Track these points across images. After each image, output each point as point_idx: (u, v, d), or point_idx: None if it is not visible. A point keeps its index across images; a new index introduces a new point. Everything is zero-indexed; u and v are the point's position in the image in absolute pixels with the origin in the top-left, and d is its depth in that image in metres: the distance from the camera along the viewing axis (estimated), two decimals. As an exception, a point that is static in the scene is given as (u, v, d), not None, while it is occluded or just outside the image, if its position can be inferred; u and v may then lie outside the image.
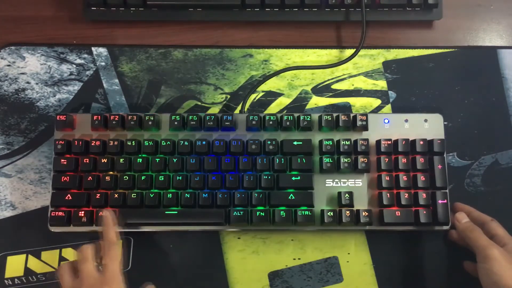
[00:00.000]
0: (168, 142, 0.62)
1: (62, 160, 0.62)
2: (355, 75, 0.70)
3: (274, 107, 0.69)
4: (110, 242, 0.56)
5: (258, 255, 0.64)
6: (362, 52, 0.70)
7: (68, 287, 0.55)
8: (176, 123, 0.63)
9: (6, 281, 0.63)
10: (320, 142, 0.63)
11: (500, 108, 0.69)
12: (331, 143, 0.62)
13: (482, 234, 0.57)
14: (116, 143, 0.62)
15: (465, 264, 0.62)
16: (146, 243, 0.64)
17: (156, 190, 0.62)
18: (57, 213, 0.61)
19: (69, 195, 0.61)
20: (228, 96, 0.69)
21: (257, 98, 0.69)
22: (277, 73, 0.69)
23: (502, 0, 0.72)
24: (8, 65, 0.69)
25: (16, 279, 0.63)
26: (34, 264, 0.63)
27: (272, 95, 0.69)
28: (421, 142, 0.62)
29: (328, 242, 0.64)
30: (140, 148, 0.62)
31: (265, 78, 0.68)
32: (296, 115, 0.63)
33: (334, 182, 0.63)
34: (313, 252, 0.64)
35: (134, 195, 0.61)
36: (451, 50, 0.70)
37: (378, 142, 0.63)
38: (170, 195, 0.61)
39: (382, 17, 0.70)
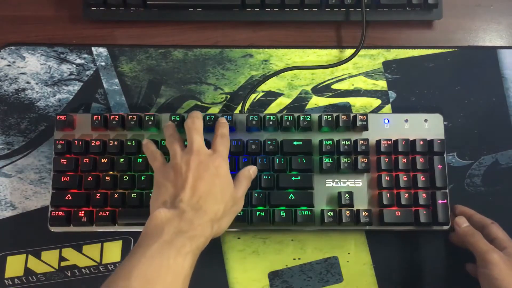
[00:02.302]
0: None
1: (62, 160, 0.62)
2: (355, 75, 0.70)
3: (274, 107, 0.69)
4: (224, 133, 0.57)
5: (258, 255, 0.64)
6: (362, 52, 0.70)
7: (178, 155, 0.54)
8: (176, 123, 0.63)
9: (6, 281, 0.63)
10: (320, 142, 0.63)
11: (500, 108, 0.69)
12: (331, 143, 0.62)
13: (482, 238, 0.57)
14: (116, 143, 0.62)
15: (467, 266, 0.62)
16: (146, 243, 0.64)
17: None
18: (57, 213, 0.61)
19: (69, 195, 0.61)
20: (228, 96, 0.69)
21: (257, 98, 0.69)
22: (277, 73, 0.69)
23: (502, 0, 0.72)
24: (8, 65, 0.69)
25: (16, 279, 0.63)
26: (34, 264, 0.63)
27: (272, 95, 0.69)
28: (421, 142, 0.62)
29: (328, 242, 0.64)
30: (140, 148, 0.62)
31: (265, 78, 0.68)
32: (296, 115, 0.63)
33: (334, 182, 0.63)
34: (313, 252, 0.64)
35: (134, 195, 0.61)
36: (451, 50, 0.70)
37: (378, 142, 0.63)
38: (170, 195, 0.61)
39: (382, 17, 0.70)
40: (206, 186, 0.52)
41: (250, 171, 0.58)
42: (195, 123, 0.56)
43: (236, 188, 0.55)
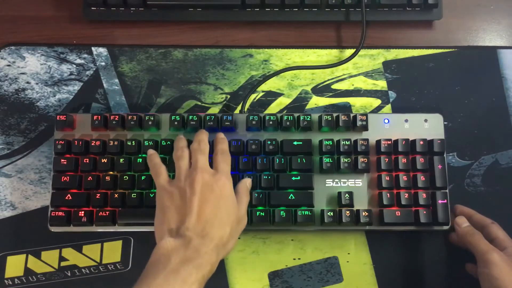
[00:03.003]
0: (168, 142, 0.62)
1: (62, 160, 0.62)
2: (355, 75, 0.70)
3: (274, 107, 0.69)
4: (224, 150, 0.57)
5: (258, 255, 0.64)
6: (362, 52, 0.70)
7: (183, 174, 0.54)
8: (176, 123, 0.63)
9: (6, 281, 0.63)
10: (320, 142, 0.63)
11: (500, 108, 0.69)
12: (331, 143, 0.62)
13: (482, 238, 0.57)
14: (116, 143, 0.62)
15: (467, 266, 0.62)
16: (146, 243, 0.63)
17: (156, 190, 0.62)
18: (57, 213, 0.61)
19: (69, 195, 0.61)
20: (228, 96, 0.69)
21: (257, 98, 0.69)
22: (277, 73, 0.69)
23: (502, 0, 0.72)
24: (8, 65, 0.69)
25: (16, 279, 0.63)
26: (34, 264, 0.63)
27: (272, 95, 0.69)
28: (421, 142, 0.62)
29: (328, 242, 0.64)
30: (140, 148, 0.62)
31: (265, 78, 0.68)
32: (296, 115, 0.63)
33: (334, 182, 0.63)
34: (313, 252, 0.64)
35: (134, 195, 0.61)
36: (451, 50, 0.70)
37: (378, 142, 0.63)
38: (170, 195, 0.61)
39: (382, 17, 0.70)
40: (212, 209, 0.52)
41: (247, 184, 0.58)
42: (201, 145, 0.56)
43: (239, 206, 0.55)
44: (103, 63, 0.70)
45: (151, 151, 0.59)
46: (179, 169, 0.55)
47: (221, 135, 0.59)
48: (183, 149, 0.57)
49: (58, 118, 0.63)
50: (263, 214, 0.61)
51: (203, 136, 0.57)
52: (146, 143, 0.62)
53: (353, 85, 0.69)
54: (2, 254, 0.64)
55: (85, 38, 0.71)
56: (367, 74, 0.70)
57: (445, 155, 0.63)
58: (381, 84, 0.69)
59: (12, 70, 0.69)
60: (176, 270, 0.47)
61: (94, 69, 0.70)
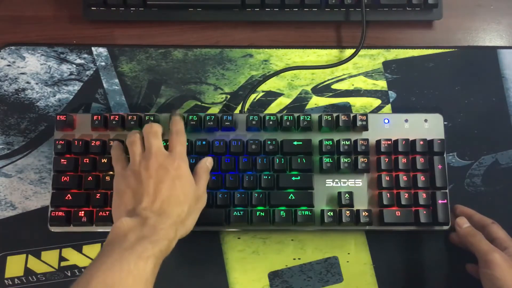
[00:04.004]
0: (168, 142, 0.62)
1: (62, 160, 0.62)
2: (355, 75, 0.70)
3: (274, 107, 0.69)
4: (179, 130, 0.58)
5: (258, 255, 0.64)
6: (362, 52, 0.70)
7: (138, 157, 0.55)
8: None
9: (6, 281, 0.63)
10: (320, 142, 0.63)
11: (500, 108, 0.69)
12: (331, 143, 0.62)
13: (483, 238, 0.57)
14: (116, 143, 0.62)
15: (468, 267, 0.62)
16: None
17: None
18: (57, 213, 0.61)
19: (69, 195, 0.61)
20: (228, 96, 0.69)
21: (257, 98, 0.69)
22: (277, 73, 0.69)
23: (502, 0, 0.72)
24: (8, 65, 0.69)
25: (16, 279, 0.63)
26: (34, 264, 0.63)
27: (272, 95, 0.69)
28: (421, 142, 0.62)
29: (328, 242, 0.64)
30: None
31: (265, 78, 0.68)
32: (296, 115, 0.63)
33: (334, 182, 0.63)
34: (313, 252, 0.64)
35: (134, 195, 0.61)
36: (451, 50, 0.70)
37: (378, 142, 0.63)
38: (170, 195, 0.61)
39: (382, 17, 0.70)
40: (168, 189, 0.52)
41: (206, 163, 0.59)
42: (153, 127, 0.56)
43: (197, 185, 0.56)
44: (103, 63, 0.70)
45: (115, 142, 0.60)
46: (133, 154, 0.55)
47: (176, 117, 0.59)
48: (135, 134, 0.57)
49: (58, 118, 0.63)
50: (263, 214, 0.61)
51: (152, 124, 0.58)
52: (146, 143, 0.62)
53: (353, 85, 0.69)
54: (2, 254, 0.64)
55: (85, 38, 0.71)
56: (367, 74, 0.70)
57: (445, 155, 0.63)
58: (381, 84, 0.69)
59: (12, 70, 0.69)
60: (131, 247, 0.47)
61: (94, 69, 0.70)
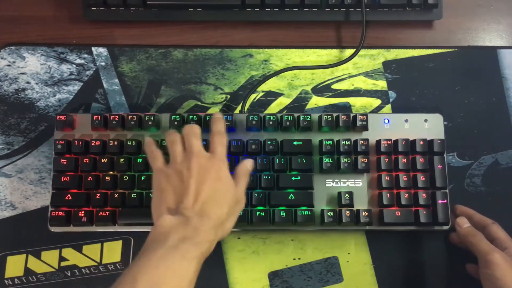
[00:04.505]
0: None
1: (62, 160, 0.62)
2: (355, 75, 0.70)
3: (274, 107, 0.69)
4: (220, 130, 0.57)
5: (258, 255, 0.64)
6: (362, 52, 0.70)
7: (179, 156, 0.54)
8: (176, 123, 0.63)
9: (6, 281, 0.63)
10: (320, 142, 0.63)
11: (500, 108, 0.69)
12: (331, 143, 0.62)
13: (484, 239, 0.57)
14: (116, 143, 0.62)
15: (468, 267, 0.61)
16: (146, 243, 0.64)
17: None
18: (57, 213, 0.61)
19: (69, 195, 0.61)
20: (228, 96, 0.69)
21: (257, 98, 0.69)
22: (277, 73, 0.69)
23: (502, 0, 0.72)
24: (8, 65, 0.69)
25: (16, 279, 0.63)
26: (34, 264, 0.63)
27: (272, 95, 0.69)
28: (421, 142, 0.62)
29: (328, 242, 0.64)
30: (140, 148, 0.62)
31: (265, 78, 0.68)
32: (296, 115, 0.63)
33: (334, 182, 0.63)
34: (313, 252, 0.64)
35: (134, 195, 0.61)
36: (451, 50, 0.70)
37: (378, 142, 0.63)
38: (170, 195, 0.61)
39: (382, 17, 0.70)
40: (209, 191, 0.52)
41: (247, 166, 0.58)
42: (193, 128, 0.56)
43: (237, 187, 0.55)
44: (103, 63, 0.70)
45: (148, 139, 0.59)
46: (174, 152, 0.55)
47: (218, 115, 0.59)
48: (175, 133, 0.57)
49: (58, 118, 0.63)
50: (263, 214, 0.61)
51: (193, 124, 0.58)
52: (146, 143, 0.62)
53: (353, 85, 0.69)
54: (2, 254, 0.64)
55: (85, 38, 0.71)
56: (367, 74, 0.70)
57: (445, 155, 0.63)
58: (381, 84, 0.69)
59: (12, 70, 0.69)
60: (175, 246, 0.48)
61: (94, 69, 0.70)
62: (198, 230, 0.49)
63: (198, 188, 0.52)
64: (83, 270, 0.63)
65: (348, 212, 0.61)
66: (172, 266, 0.46)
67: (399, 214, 0.61)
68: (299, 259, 0.64)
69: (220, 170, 0.54)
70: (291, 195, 0.61)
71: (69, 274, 0.63)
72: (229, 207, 0.53)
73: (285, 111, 0.68)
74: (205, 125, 0.63)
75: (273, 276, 0.63)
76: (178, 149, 0.55)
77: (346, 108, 0.69)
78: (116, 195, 0.61)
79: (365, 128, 0.63)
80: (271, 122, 0.63)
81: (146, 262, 0.47)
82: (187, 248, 0.48)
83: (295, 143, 0.62)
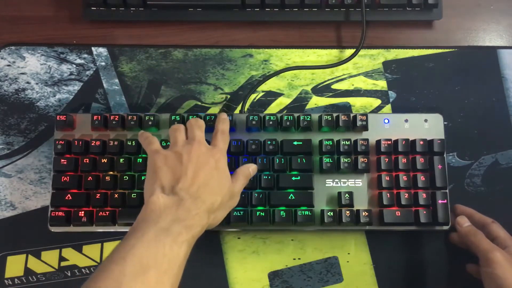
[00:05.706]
0: (168, 142, 0.62)
1: (62, 160, 0.62)
2: (355, 75, 0.70)
3: (274, 107, 0.69)
4: (225, 130, 0.58)
5: (258, 255, 0.64)
6: (362, 52, 0.70)
7: (181, 142, 0.55)
8: (176, 123, 0.63)
9: (6, 281, 0.63)
10: (320, 142, 0.63)
11: (500, 108, 0.69)
12: (331, 143, 0.62)
13: (484, 237, 0.57)
14: (116, 143, 0.62)
15: (468, 267, 0.61)
16: (146, 243, 0.64)
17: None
18: (57, 213, 0.61)
19: (69, 195, 0.61)
20: (228, 96, 0.69)
21: (257, 98, 0.69)
22: (277, 73, 0.69)
23: (502, 0, 0.72)
24: (8, 65, 0.69)
25: (16, 279, 0.63)
26: (34, 264, 0.63)
27: (272, 95, 0.69)
28: (421, 142, 0.62)
29: (328, 242, 0.64)
30: (140, 148, 0.62)
31: (265, 78, 0.68)
32: (296, 115, 0.63)
33: (334, 182, 0.63)
34: (313, 252, 0.64)
35: (134, 195, 0.61)
36: (451, 50, 0.70)
37: (378, 142, 0.63)
38: (170, 195, 0.61)
39: (382, 17, 0.70)
40: (206, 177, 0.52)
41: (249, 169, 0.59)
42: (198, 121, 0.57)
43: (233, 183, 0.56)
44: (103, 63, 0.70)
45: (141, 131, 0.60)
46: (175, 138, 0.56)
47: (224, 115, 0.60)
48: (180, 124, 0.58)
49: (58, 118, 0.63)
50: (263, 214, 0.61)
51: (197, 118, 0.59)
52: (146, 143, 0.62)
53: (353, 85, 0.69)
54: (2, 254, 0.64)
55: (85, 38, 0.71)
56: (367, 74, 0.70)
57: (445, 155, 0.63)
58: (381, 84, 0.69)
59: (12, 70, 0.69)
60: (167, 228, 0.47)
61: (94, 69, 0.70)
62: (191, 212, 0.49)
63: (195, 172, 0.52)
64: (83, 270, 0.63)
65: (348, 212, 0.61)
66: (163, 249, 0.46)
67: (399, 214, 0.61)
68: (299, 259, 0.64)
69: (219, 161, 0.55)
70: (291, 195, 0.61)
71: (69, 274, 0.63)
72: (222, 197, 0.53)
73: (285, 111, 0.68)
74: (206, 125, 0.62)
75: (273, 276, 0.63)
76: (180, 137, 0.56)
77: (346, 108, 0.69)
78: (116, 195, 0.61)
79: (365, 128, 0.63)
80: (271, 122, 0.63)
81: (136, 243, 0.46)
82: (178, 231, 0.48)
83: (295, 143, 0.62)
